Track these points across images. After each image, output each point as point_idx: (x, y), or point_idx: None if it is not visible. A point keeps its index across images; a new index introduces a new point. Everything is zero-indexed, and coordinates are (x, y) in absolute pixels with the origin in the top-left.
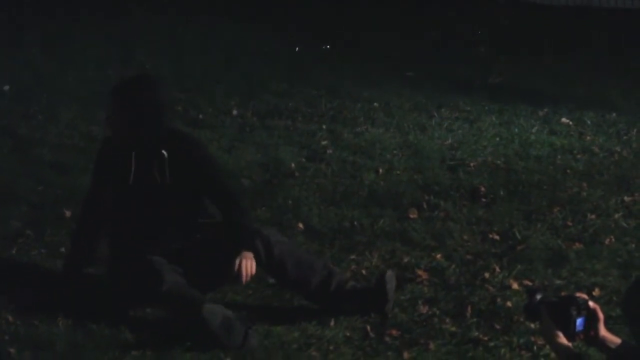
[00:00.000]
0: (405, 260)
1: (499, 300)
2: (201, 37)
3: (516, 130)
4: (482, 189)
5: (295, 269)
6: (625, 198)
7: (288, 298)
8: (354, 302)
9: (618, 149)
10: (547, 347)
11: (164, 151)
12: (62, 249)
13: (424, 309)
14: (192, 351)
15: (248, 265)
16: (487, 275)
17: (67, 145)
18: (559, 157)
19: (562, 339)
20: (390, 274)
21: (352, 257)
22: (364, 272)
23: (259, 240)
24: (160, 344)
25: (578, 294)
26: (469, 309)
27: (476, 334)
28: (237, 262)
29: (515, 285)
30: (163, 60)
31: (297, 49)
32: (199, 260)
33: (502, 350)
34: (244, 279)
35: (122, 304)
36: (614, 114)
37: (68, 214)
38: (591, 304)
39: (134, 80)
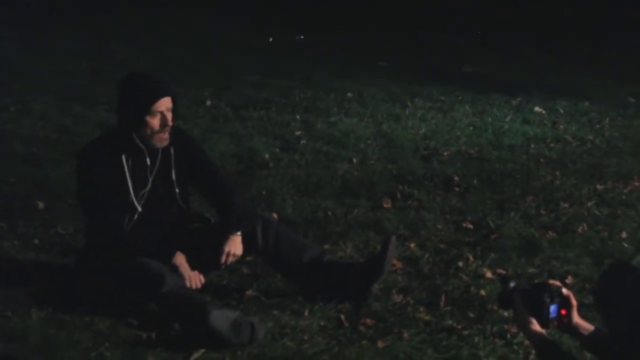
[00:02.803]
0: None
1: (472, 289)
2: (175, 28)
3: (490, 119)
4: (456, 178)
5: (289, 246)
6: (598, 186)
7: (262, 287)
8: (346, 273)
9: (591, 137)
10: (521, 335)
11: (171, 148)
12: (36, 241)
13: (398, 298)
14: (164, 341)
15: (232, 247)
16: (460, 264)
17: (40, 138)
18: (532, 146)
19: (536, 326)
20: (394, 239)
21: (326, 246)
22: None
23: (257, 221)
24: (133, 335)
25: (551, 281)
26: (443, 297)
27: (450, 322)
28: (224, 246)
29: (488, 274)
30: (137, 51)
31: (270, 39)
32: (187, 247)
33: (476, 339)
34: (223, 259)
35: (96, 296)
36: (587, 103)
37: (41, 205)
38: (564, 290)
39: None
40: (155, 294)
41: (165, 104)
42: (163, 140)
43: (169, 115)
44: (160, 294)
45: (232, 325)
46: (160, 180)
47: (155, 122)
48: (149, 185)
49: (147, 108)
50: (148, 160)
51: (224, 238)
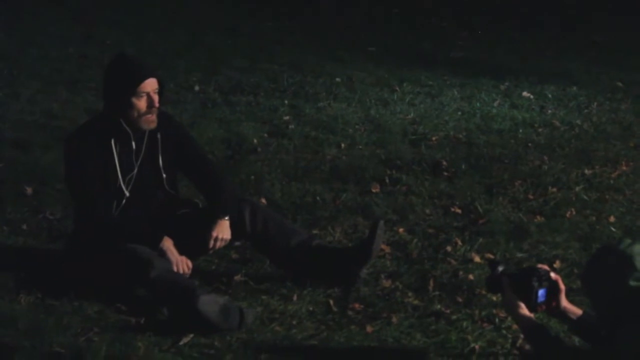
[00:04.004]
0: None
1: (461, 273)
2: (163, 13)
3: (478, 104)
4: (444, 163)
5: (277, 231)
6: (586, 171)
7: (250, 272)
8: (335, 258)
9: (579, 122)
10: (510, 319)
11: (158, 133)
12: (24, 226)
13: (386, 283)
14: (153, 326)
15: (220, 232)
16: (449, 248)
17: (28, 122)
18: (521, 130)
19: (524, 310)
20: (382, 223)
21: (315, 231)
22: None
23: (245, 206)
24: (121, 320)
25: (540, 266)
26: (432, 282)
27: (438, 307)
28: (212, 231)
29: (477, 259)
30: (124, 36)
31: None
32: (176, 232)
33: (464, 323)
34: (211, 244)
35: (85, 281)
36: (575, 88)
37: (29, 190)
38: (553, 275)
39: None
40: (143, 279)
41: (150, 84)
42: (151, 122)
43: (155, 97)
44: (149, 279)
45: (221, 310)
46: (148, 166)
47: (141, 103)
48: (135, 170)
49: (132, 89)
50: (133, 144)
51: (212, 223)
